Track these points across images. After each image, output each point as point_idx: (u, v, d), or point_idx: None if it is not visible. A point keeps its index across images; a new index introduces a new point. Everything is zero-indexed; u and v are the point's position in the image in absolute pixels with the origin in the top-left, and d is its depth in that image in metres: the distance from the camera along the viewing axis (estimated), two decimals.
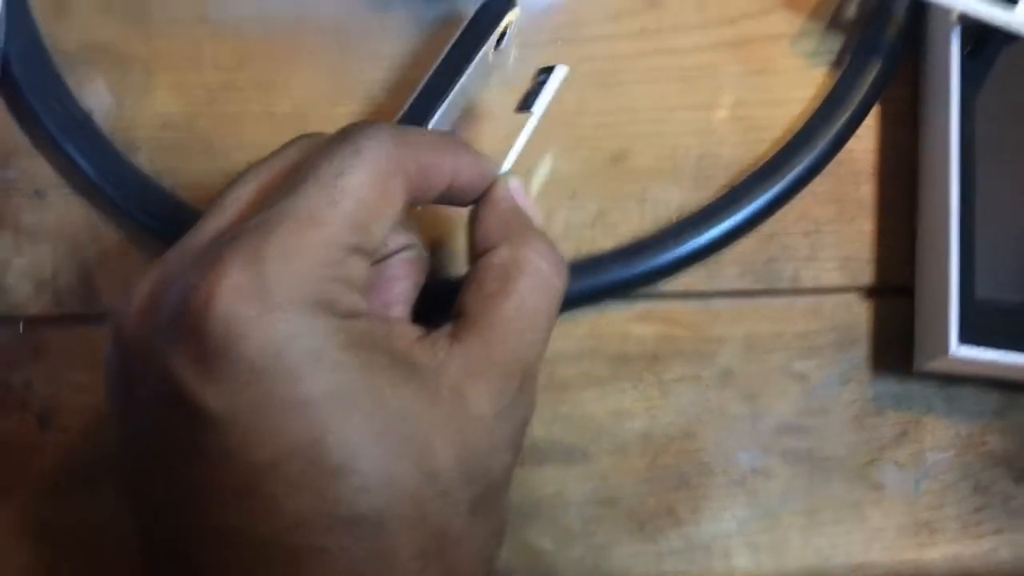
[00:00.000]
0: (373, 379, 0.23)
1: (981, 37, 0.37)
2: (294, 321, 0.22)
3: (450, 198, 0.29)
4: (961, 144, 0.36)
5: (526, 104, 0.33)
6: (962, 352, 0.33)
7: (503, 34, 0.37)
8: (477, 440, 0.25)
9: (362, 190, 0.25)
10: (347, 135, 0.26)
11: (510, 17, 0.37)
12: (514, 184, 0.31)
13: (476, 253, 0.29)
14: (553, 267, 0.28)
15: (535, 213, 0.31)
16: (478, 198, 0.30)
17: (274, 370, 0.22)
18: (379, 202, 0.25)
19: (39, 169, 0.39)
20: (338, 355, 0.23)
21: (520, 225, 0.29)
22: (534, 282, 0.27)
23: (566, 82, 0.34)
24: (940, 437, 0.36)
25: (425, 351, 0.25)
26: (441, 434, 0.24)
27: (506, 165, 0.32)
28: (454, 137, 0.30)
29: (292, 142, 0.29)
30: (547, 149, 0.39)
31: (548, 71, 0.34)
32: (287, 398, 0.22)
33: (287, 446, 0.22)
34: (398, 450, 0.23)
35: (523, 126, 0.33)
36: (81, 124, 0.38)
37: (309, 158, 0.26)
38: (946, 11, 0.37)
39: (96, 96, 0.39)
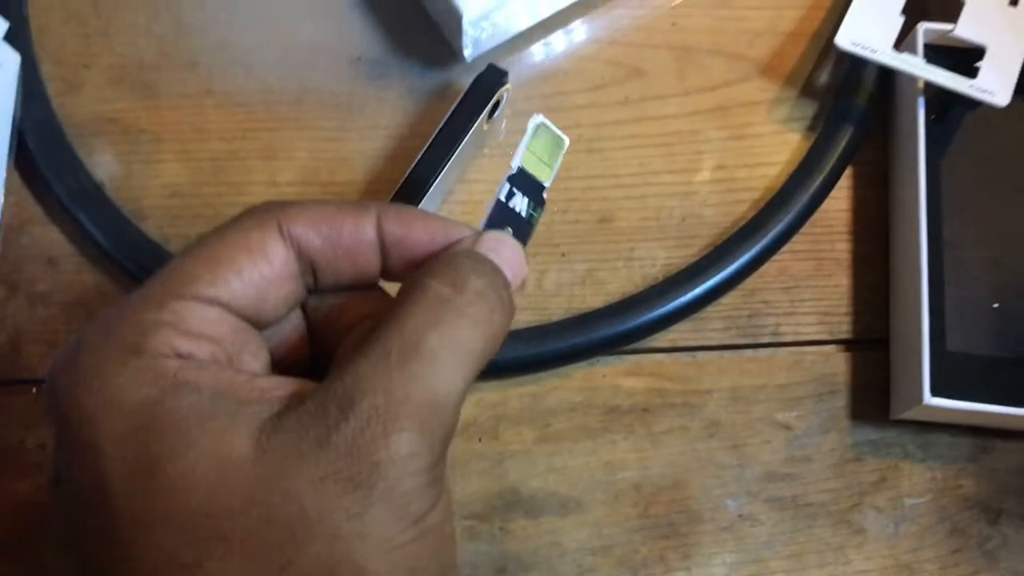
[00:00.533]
0: (179, 411, 0.22)
1: (945, 104, 0.39)
2: (95, 370, 0.22)
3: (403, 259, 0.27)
4: (929, 204, 0.38)
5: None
6: (934, 403, 0.35)
7: (496, 106, 0.40)
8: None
9: (213, 245, 0.24)
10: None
11: (502, 90, 0.39)
12: (494, 235, 0.27)
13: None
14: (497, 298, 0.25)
15: (519, 267, 0.27)
16: None
17: (79, 419, 0.22)
18: (234, 254, 0.24)
19: (52, 237, 0.40)
20: (134, 391, 0.22)
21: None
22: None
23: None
24: (917, 482, 0.38)
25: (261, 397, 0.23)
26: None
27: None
28: (392, 204, 0.27)
29: (265, 228, 0.27)
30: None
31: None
32: (87, 442, 0.22)
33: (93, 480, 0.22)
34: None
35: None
36: (92, 194, 0.40)
37: None
38: (912, 80, 0.39)
39: (106, 167, 0.41)
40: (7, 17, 0.41)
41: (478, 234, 0.27)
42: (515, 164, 0.29)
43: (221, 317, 0.24)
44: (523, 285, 0.27)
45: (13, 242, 0.40)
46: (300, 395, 0.23)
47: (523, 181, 0.29)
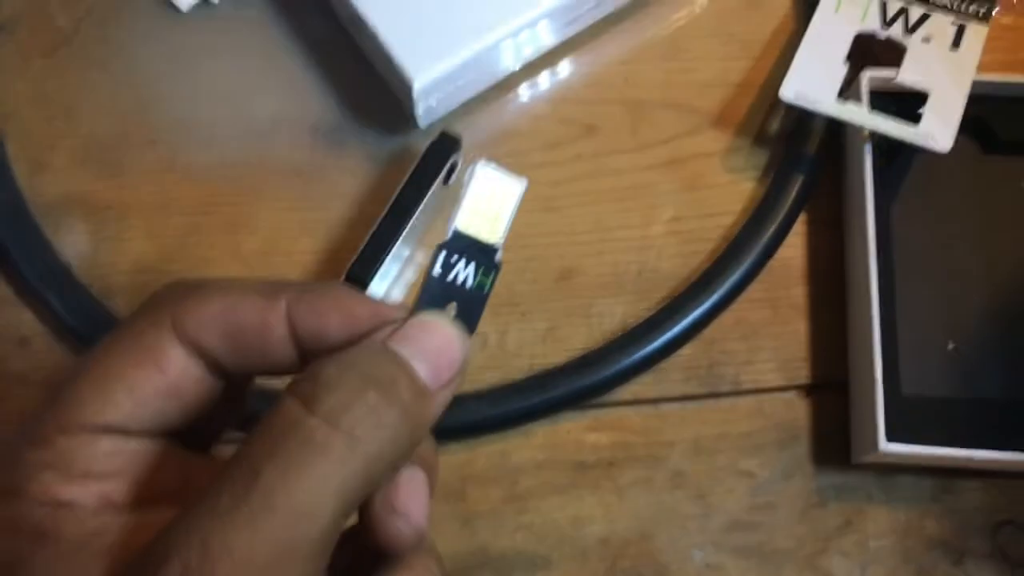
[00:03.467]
0: None
1: (893, 148, 0.40)
2: None
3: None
4: (879, 248, 0.38)
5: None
6: (890, 448, 0.36)
7: (451, 170, 0.40)
8: None
9: (103, 359, 0.23)
10: None
11: (456, 155, 0.40)
12: (422, 320, 0.24)
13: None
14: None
15: (448, 355, 0.24)
16: None
17: None
18: (123, 369, 0.23)
19: (23, 317, 0.41)
20: None
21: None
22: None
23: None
24: (881, 524, 0.39)
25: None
26: None
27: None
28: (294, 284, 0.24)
29: (153, 331, 0.24)
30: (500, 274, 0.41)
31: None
32: None
33: None
34: None
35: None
36: (60, 274, 0.41)
37: None
38: (858, 128, 0.40)
39: (74, 246, 0.42)
40: None
41: (402, 321, 0.23)
42: (450, 228, 0.25)
43: (115, 447, 0.23)
44: (460, 373, 0.24)
45: None
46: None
47: (465, 245, 0.25)
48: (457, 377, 0.24)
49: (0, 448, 0.23)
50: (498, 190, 0.25)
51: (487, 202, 0.25)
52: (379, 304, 0.24)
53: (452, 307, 0.25)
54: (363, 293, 0.25)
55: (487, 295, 0.25)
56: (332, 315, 0.24)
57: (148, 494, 0.23)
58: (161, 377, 0.23)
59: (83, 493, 0.22)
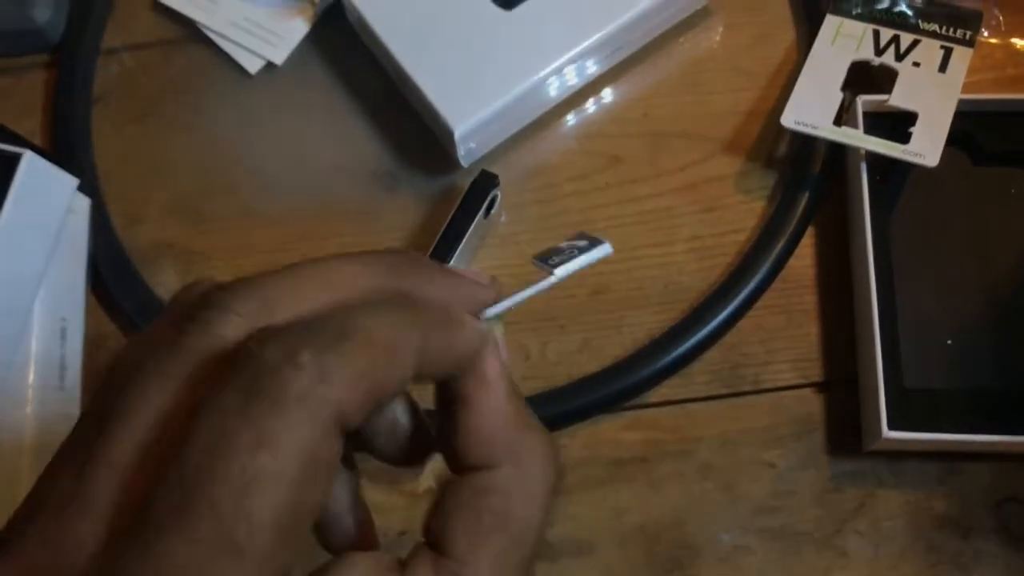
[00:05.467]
0: None
1: (887, 164, 0.44)
2: None
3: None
4: (878, 257, 0.43)
5: (548, 260, 0.27)
6: (892, 435, 0.40)
7: (492, 204, 0.46)
8: None
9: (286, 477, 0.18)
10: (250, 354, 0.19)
11: (495, 191, 0.45)
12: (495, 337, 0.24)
13: (465, 463, 0.22)
14: (555, 472, 0.23)
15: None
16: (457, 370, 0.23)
17: None
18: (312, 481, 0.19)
19: None
20: None
21: (522, 426, 0.23)
22: (538, 504, 0.22)
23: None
24: (892, 506, 0.43)
25: None
26: None
27: (494, 310, 0.26)
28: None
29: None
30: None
31: (592, 242, 0.27)
32: None
33: None
34: None
35: (538, 281, 0.26)
36: (154, 311, 0.47)
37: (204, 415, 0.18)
38: (855, 148, 0.44)
39: (167, 286, 0.48)
40: (79, 169, 0.48)
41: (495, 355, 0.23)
42: (559, 275, 0.26)
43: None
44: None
45: (94, 354, 0.47)
46: None
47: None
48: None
49: None
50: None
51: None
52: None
53: None
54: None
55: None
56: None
57: None
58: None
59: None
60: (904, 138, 0.43)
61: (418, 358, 0.21)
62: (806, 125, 0.44)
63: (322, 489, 0.19)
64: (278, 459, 0.18)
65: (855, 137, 0.43)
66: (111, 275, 0.48)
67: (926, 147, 0.43)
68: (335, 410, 0.19)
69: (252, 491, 0.17)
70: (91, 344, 0.47)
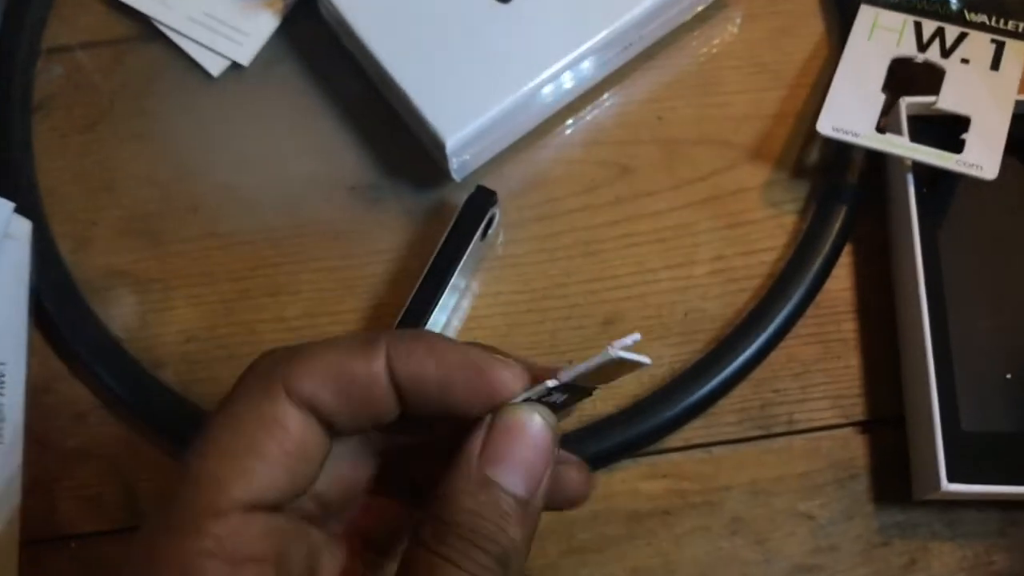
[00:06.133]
0: None
1: (936, 174, 0.39)
2: None
3: (444, 405, 0.25)
4: (928, 278, 0.38)
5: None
6: (953, 488, 0.35)
7: (489, 223, 0.40)
8: None
9: (227, 434, 0.24)
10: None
11: (493, 209, 0.40)
12: (511, 423, 0.25)
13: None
14: None
15: (538, 463, 0.25)
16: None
17: None
18: (252, 440, 0.24)
19: (77, 392, 0.42)
20: None
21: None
22: None
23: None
24: (948, 561, 0.38)
25: None
26: None
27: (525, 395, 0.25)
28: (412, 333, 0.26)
29: (269, 396, 0.25)
30: (543, 322, 0.41)
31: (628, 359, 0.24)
32: None
33: None
34: None
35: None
36: (110, 349, 0.41)
37: None
38: (900, 158, 0.39)
39: (121, 319, 0.42)
40: (17, 188, 0.42)
41: (487, 424, 0.25)
42: (566, 376, 0.25)
43: (268, 527, 0.24)
44: (552, 463, 0.25)
45: (41, 400, 0.42)
46: None
47: (569, 387, 0.25)
48: (551, 468, 0.25)
49: (155, 545, 0.23)
50: (620, 365, 0.24)
51: (605, 369, 0.24)
52: (468, 349, 0.26)
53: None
54: (450, 338, 0.27)
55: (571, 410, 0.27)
56: (427, 361, 0.25)
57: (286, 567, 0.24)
58: (289, 441, 0.24)
59: None
60: (955, 145, 0.38)
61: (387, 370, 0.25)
62: (845, 132, 0.39)
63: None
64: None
65: (902, 146, 0.38)
66: (57, 308, 0.42)
67: (982, 156, 0.38)
68: None
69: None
70: (36, 390, 0.41)
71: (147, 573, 0.22)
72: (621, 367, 0.24)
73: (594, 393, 0.26)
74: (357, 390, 0.25)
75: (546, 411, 0.25)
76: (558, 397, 0.25)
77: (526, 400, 0.25)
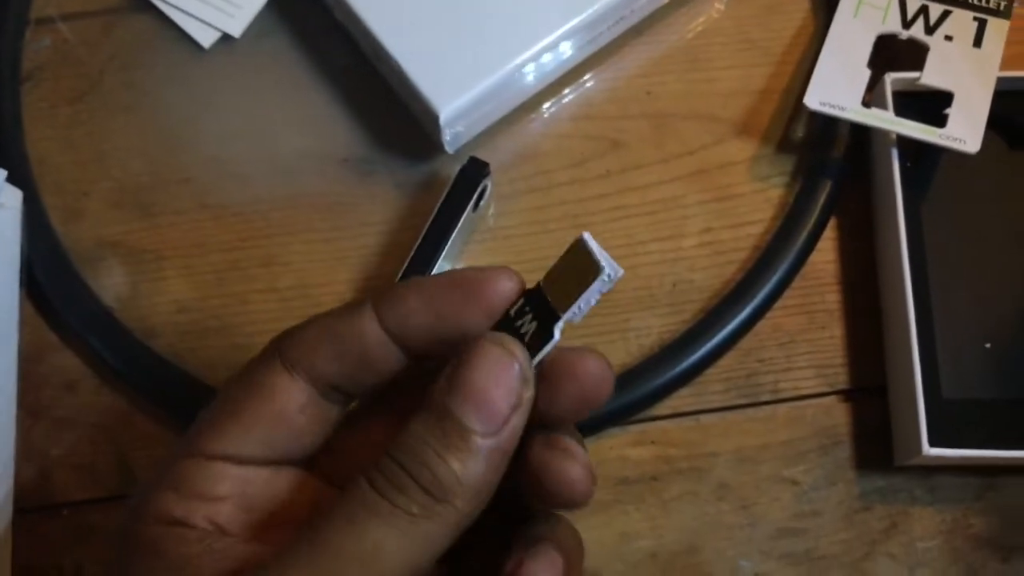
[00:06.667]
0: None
1: (920, 149, 0.40)
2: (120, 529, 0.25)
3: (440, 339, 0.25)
4: (911, 250, 0.39)
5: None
6: (934, 452, 0.36)
7: (481, 195, 0.41)
8: None
9: (224, 396, 0.26)
10: None
11: (485, 180, 0.40)
12: (486, 350, 0.24)
13: None
14: None
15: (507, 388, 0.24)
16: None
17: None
18: (237, 403, 0.26)
19: (69, 362, 0.42)
20: (121, 552, 0.25)
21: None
22: None
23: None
24: (927, 525, 0.39)
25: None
26: None
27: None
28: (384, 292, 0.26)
29: (265, 363, 0.27)
30: None
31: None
32: None
33: None
34: None
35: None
36: (102, 319, 0.42)
37: None
38: (884, 132, 0.40)
39: (113, 289, 0.42)
40: (8, 158, 0.42)
41: (452, 367, 0.24)
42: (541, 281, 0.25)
43: (223, 472, 0.25)
44: (523, 394, 0.24)
45: (32, 371, 0.42)
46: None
47: (539, 303, 0.25)
48: (523, 399, 0.24)
49: (154, 468, 0.26)
50: (582, 265, 0.24)
51: (568, 274, 0.25)
52: (452, 271, 0.26)
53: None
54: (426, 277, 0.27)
55: (538, 361, 0.25)
56: (413, 298, 0.25)
57: (270, 523, 0.25)
58: (268, 406, 0.25)
59: (193, 514, 0.24)
60: (937, 120, 0.39)
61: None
62: (832, 106, 0.40)
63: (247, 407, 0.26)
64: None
65: (887, 120, 0.39)
66: (49, 279, 0.42)
67: (965, 131, 0.38)
68: None
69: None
70: (28, 359, 0.41)
71: (138, 492, 0.25)
72: (586, 275, 0.24)
73: (557, 330, 0.24)
74: (350, 350, 0.25)
75: (513, 342, 0.24)
76: (527, 325, 0.25)
77: (496, 330, 0.25)
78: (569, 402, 0.25)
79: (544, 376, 0.25)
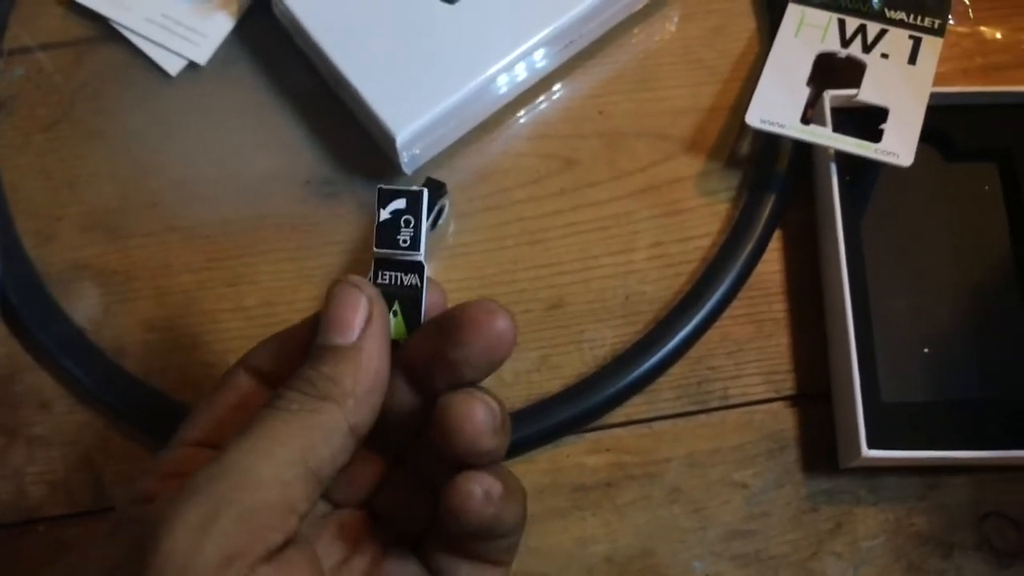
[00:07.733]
0: None
1: (858, 164, 0.42)
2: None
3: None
4: (850, 261, 0.40)
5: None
6: (872, 454, 0.37)
7: (439, 214, 0.42)
8: None
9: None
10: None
11: (442, 200, 0.42)
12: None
13: None
14: None
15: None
16: None
17: None
18: (207, 399, 0.30)
19: (43, 382, 0.43)
20: (111, 533, 0.26)
21: None
22: None
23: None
24: (871, 524, 0.40)
25: None
26: None
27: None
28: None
29: (231, 370, 0.31)
30: None
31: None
32: None
33: None
34: None
35: None
36: (75, 340, 0.43)
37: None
38: (824, 147, 0.42)
39: (85, 311, 0.44)
40: None
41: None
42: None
43: (197, 456, 0.28)
44: (369, 311, 0.28)
45: (8, 390, 0.43)
46: None
47: (391, 263, 0.30)
48: (373, 313, 0.28)
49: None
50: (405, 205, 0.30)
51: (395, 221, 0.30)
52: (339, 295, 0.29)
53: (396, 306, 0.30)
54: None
55: (423, 290, 0.30)
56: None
57: None
58: (232, 395, 0.30)
59: (164, 488, 0.27)
60: (875, 135, 0.41)
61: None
62: (772, 124, 0.41)
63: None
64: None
65: (824, 136, 0.41)
66: (22, 301, 0.43)
67: (899, 145, 0.40)
68: None
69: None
70: (3, 379, 0.43)
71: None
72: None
73: (418, 258, 0.30)
74: (293, 351, 0.30)
75: (357, 278, 0.29)
76: (391, 275, 0.30)
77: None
78: (475, 348, 0.28)
79: (451, 325, 0.28)
